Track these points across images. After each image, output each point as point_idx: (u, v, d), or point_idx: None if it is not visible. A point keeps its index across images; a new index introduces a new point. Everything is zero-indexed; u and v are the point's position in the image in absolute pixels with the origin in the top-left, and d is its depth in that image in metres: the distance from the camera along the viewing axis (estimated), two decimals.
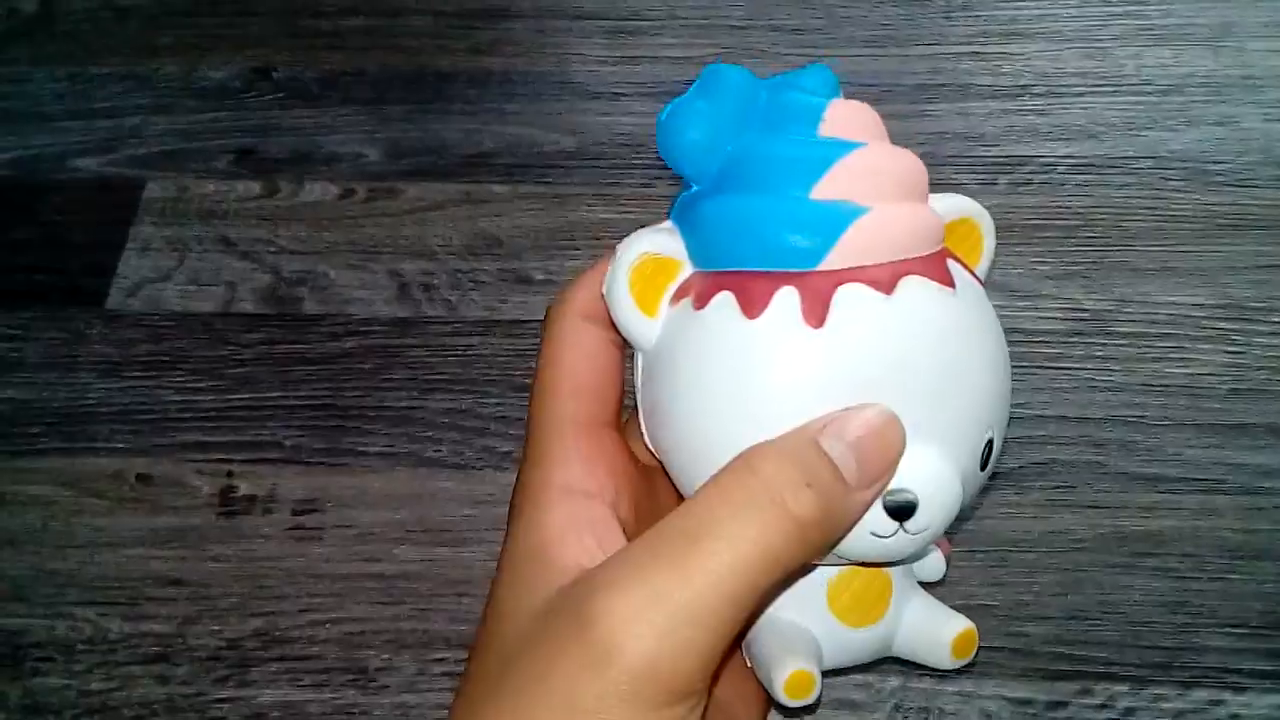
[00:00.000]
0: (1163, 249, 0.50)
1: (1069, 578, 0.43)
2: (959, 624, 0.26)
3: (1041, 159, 0.53)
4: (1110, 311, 0.49)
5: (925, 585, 0.27)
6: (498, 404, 0.48)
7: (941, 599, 0.42)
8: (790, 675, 0.22)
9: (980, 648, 0.41)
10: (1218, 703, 0.41)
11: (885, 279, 0.21)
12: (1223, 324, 0.48)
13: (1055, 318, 0.49)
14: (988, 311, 0.23)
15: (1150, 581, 0.43)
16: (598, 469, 0.23)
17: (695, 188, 0.23)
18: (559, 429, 0.23)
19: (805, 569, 0.24)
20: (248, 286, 0.51)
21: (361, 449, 0.47)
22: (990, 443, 0.22)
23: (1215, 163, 0.53)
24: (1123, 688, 0.41)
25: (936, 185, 0.56)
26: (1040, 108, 0.55)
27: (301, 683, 0.42)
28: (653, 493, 0.24)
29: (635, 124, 0.55)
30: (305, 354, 0.50)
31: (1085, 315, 0.49)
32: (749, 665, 0.25)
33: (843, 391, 0.21)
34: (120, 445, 0.48)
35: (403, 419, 0.48)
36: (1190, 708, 0.41)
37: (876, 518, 0.21)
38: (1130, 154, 0.53)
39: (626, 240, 0.22)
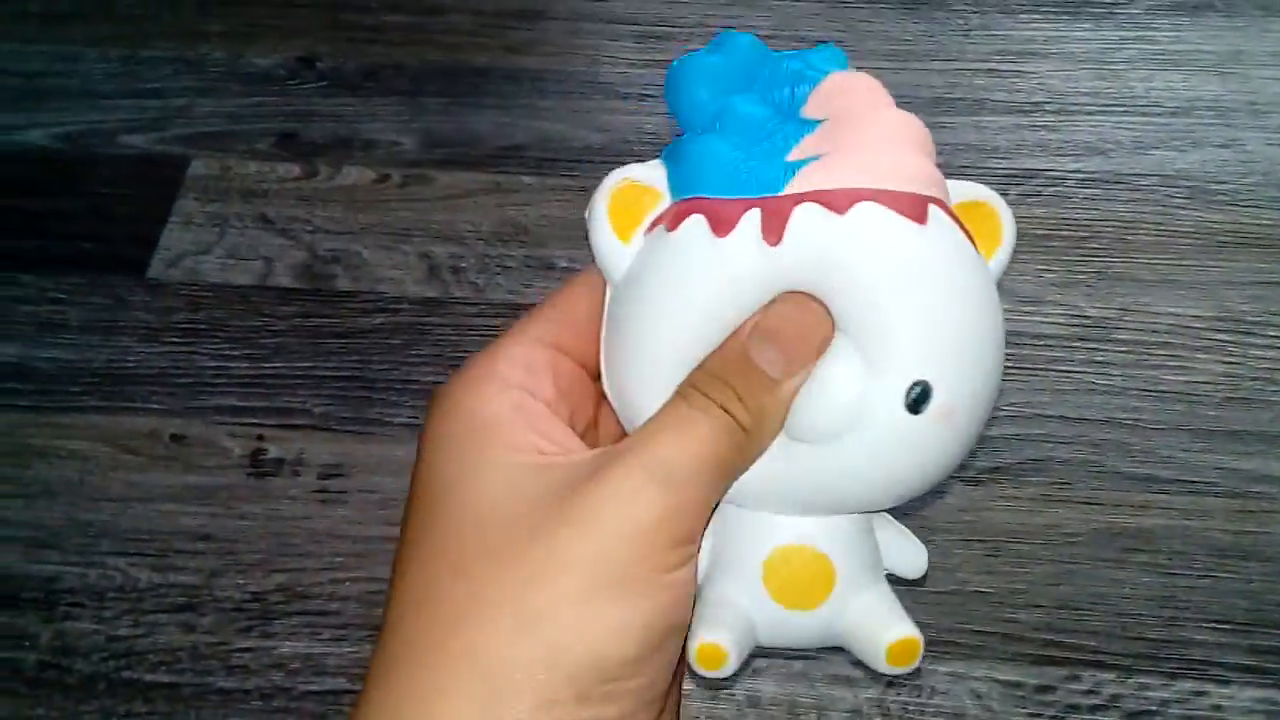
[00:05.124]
0: (1165, 262, 0.52)
1: (1061, 569, 0.45)
2: (901, 630, 0.24)
3: (1051, 173, 0.55)
4: (1112, 319, 0.51)
5: (904, 582, 0.26)
6: None
7: (935, 583, 0.44)
8: (699, 646, 0.23)
9: (972, 631, 0.44)
10: (1201, 694, 0.42)
11: (841, 201, 0.22)
12: (1220, 335, 0.50)
13: (1059, 323, 0.51)
14: (963, 262, 0.23)
15: (1140, 576, 0.45)
16: (545, 382, 0.23)
17: (688, 134, 0.24)
18: (518, 336, 0.23)
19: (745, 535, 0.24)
20: (284, 262, 0.54)
21: (387, 419, 0.49)
22: (922, 386, 0.22)
23: (1218, 183, 0.55)
24: (1110, 675, 0.43)
25: None
26: (1052, 124, 0.57)
27: (321, 636, 0.44)
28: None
29: (661, 124, 0.57)
30: (336, 328, 0.52)
31: (1088, 322, 0.51)
32: None
33: None
34: (156, 406, 0.50)
35: (428, 393, 0.49)
36: (1174, 697, 0.42)
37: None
38: (1137, 171, 0.55)
39: (613, 171, 0.23)
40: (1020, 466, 0.47)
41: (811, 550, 0.24)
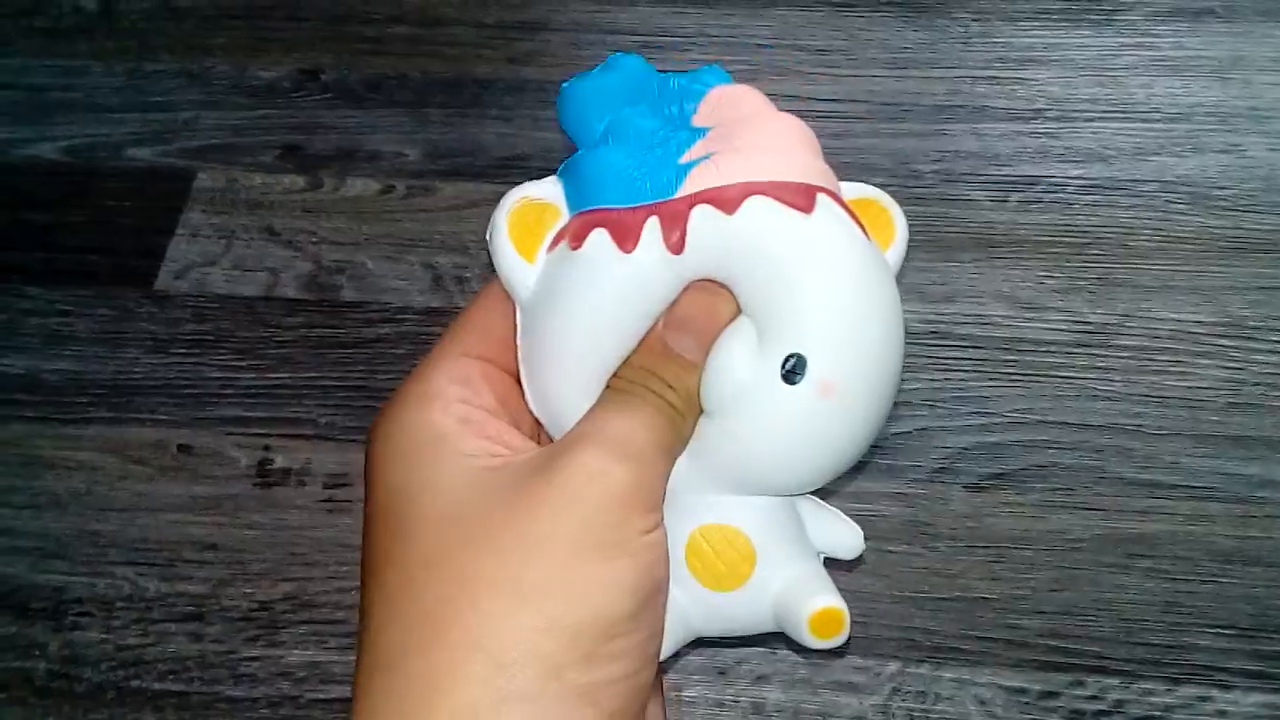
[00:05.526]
0: (1166, 268, 0.52)
1: (1065, 575, 0.45)
2: (822, 600, 0.24)
3: (1052, 179, 0.55)
4: (1113, 325, 0.51)
5: (840, 563, 0.26)
6: None
7: (938, 589, 0.44)
8: None
9: (976, 637, 0.44)
10: (1205, 699, 0.42)
11: (732, 198, 0.23)
12: (1222, 341, 0.50)
13: (1060, 329, 0.51)
14: (850, 246, 0.24)
15: (1143, 582, 0.45)
16: (484, 393, 0.24)
17: (582, 150, 0.25)
18: (444, 353, 0.24)
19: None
20: (289, 273, 0.54)
21: None
22: (796, 357, 0.23)
23: (1219, 188, 0.55)
24: (1114, 681, 0.43)
25: (951, 201, 0.58)
26: (1052, 131, 0.57)
27: (328, 645, 0.44)
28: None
29: None
30: (341, 338, 0.52)
31: (1089, 328, 0.51)
32: None
33: None
34: (163, 417, 0.50)
35: None
36: (1178, 703, 0.42)
37: None
38: (1137, 177, 0.55)
39: (511, 190, 0.25)
40: (1023, 472, 0.47)
41: (729, 529, 0.25)
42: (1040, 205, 0.55)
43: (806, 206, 0.23)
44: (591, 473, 0.22)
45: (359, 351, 0.52)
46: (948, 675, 0.43)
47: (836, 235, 0.24)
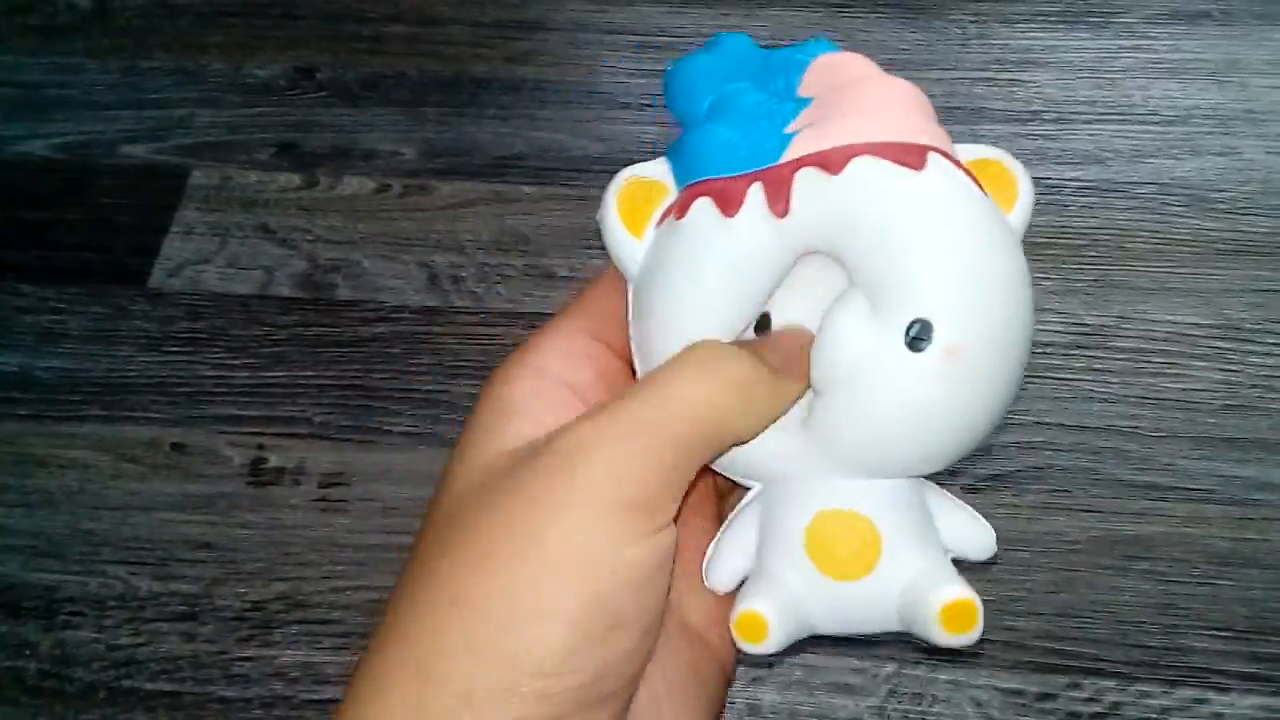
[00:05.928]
0: (1163, 270, 0.52)
1: (1061, 577, 0.45)
2: (954, 591, 0.22)
3: (1049, 181, 0.55)
4: (1110, 327, 0.51)
5: (971, 565, 0.24)
6: None
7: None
8: (739, 615, 0.22)
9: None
10: (1202, 701, 0.42)
11: (837, 160, 0.22)
12: (1218, 343, 0.50)
13: (1057, 331, 0.51)
14: (969, 204, 0.23)
15: (1140, 584, 0.45)
16: (582, 368, 0.23)
17: (688, 128, 0.25)
18: (556, 327, 0.23)
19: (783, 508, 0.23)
20: (284, 271, 0.54)
21: (387, 428, 0.49)
22: (921, 322, 0.22)
23: (1216, 191, 0.55)
24: (1110, 683, 0.43)
25: None
26: (1049, 133, 0.57)
27: (321, 645, 0.44)
28: None
29: (660, 133, 0.58)
30: (337, 337, 0.52)
31: (1086, 330, 0.51)
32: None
33: (806, 267, 0.23)
34: (157, 415, 0.50)
35: (427, 401, 0.50)
36: (1175, 705, 0.42)
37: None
38: (1134, 179, 0.55)
39: (620, 171, 0.24)
40: (1020, 474, 0.47)
41: (853, 514, 0.23)
42: (1037, 207, 0.54)
43: (917, 164, 0.22)
44: (565, 460, 0.19)
45: (354, 350, 0.51)
46: (944, 677, 0.43)
47: (951, 191, 0.22)
